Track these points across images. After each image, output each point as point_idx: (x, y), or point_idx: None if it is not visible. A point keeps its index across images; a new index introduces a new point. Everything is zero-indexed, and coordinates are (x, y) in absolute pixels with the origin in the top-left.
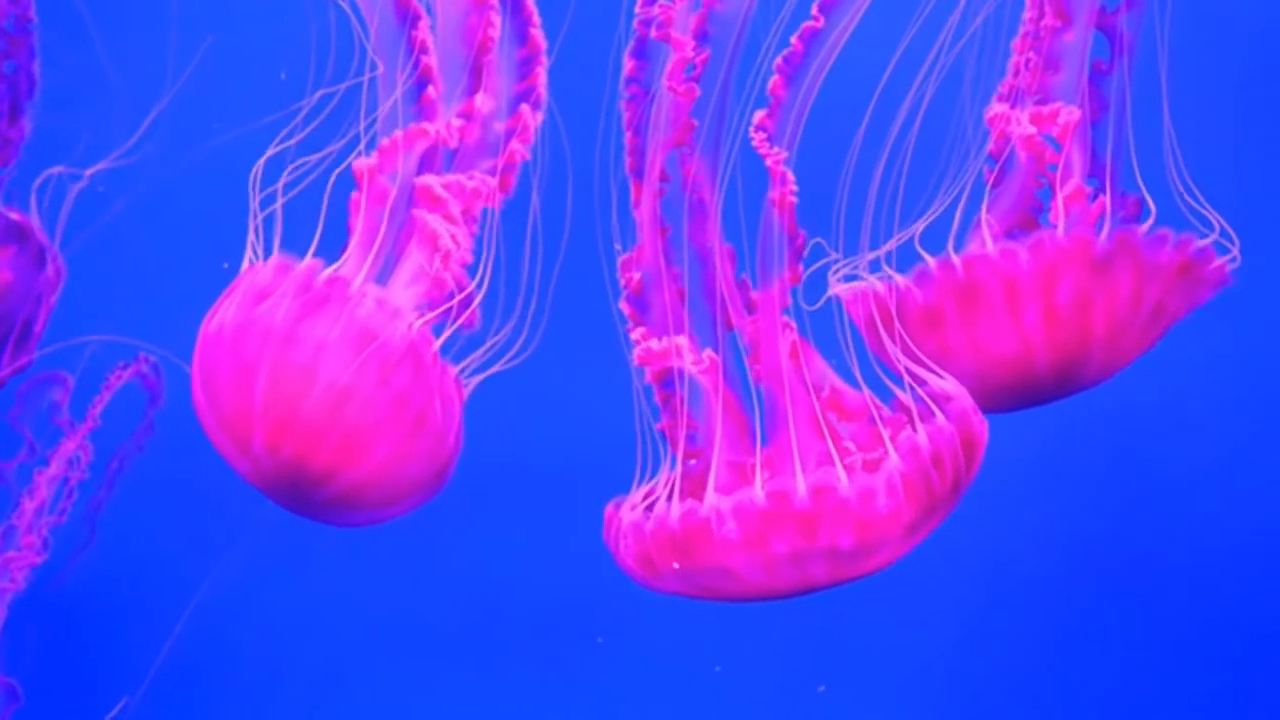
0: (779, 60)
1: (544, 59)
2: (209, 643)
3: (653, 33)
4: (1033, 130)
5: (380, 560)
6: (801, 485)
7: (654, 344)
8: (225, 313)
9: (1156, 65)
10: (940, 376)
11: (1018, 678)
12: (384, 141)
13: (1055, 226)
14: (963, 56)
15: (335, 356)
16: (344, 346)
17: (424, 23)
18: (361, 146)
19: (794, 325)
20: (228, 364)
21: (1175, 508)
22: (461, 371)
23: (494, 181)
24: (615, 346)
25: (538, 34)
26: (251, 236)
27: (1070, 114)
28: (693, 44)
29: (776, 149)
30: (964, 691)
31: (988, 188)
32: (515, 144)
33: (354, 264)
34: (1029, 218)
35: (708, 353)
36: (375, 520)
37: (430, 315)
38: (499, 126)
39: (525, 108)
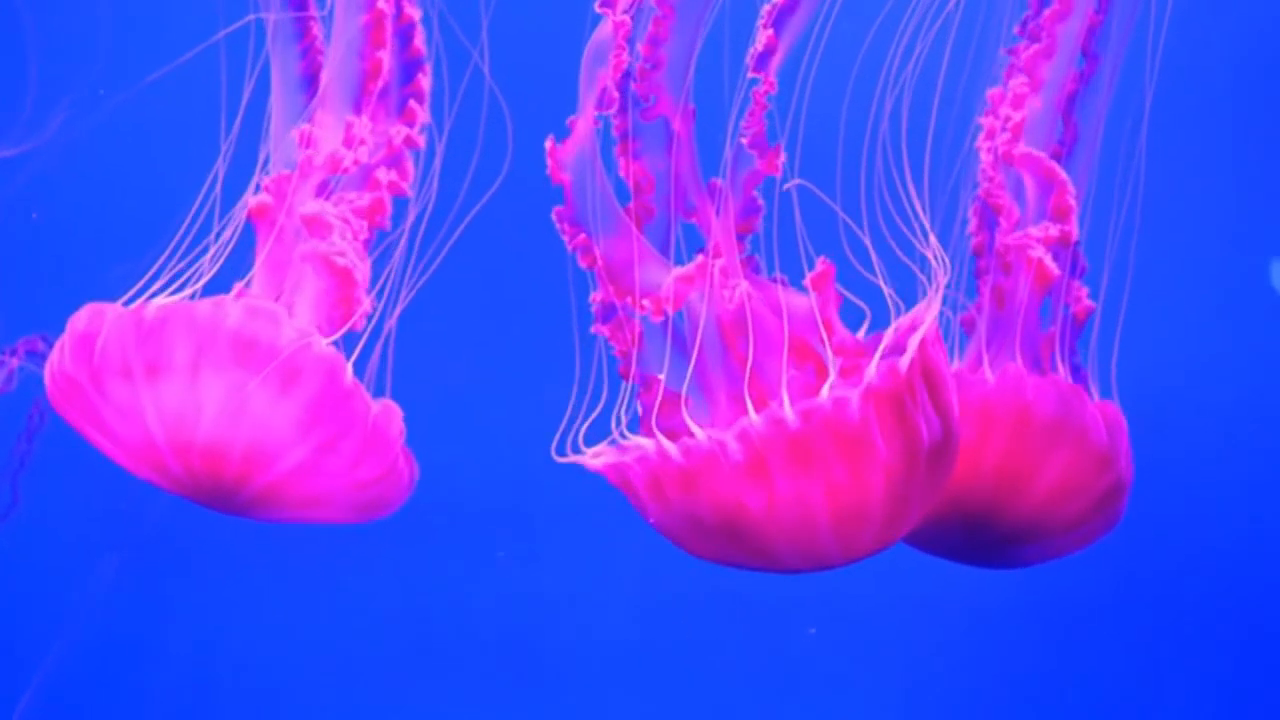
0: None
1: (425, 98)
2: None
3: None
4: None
5: (309, 578)
6: (789, 410)
7: (683, 269)
8: (64, 365)
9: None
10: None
11: (1018, 675)
12: (274, 177)
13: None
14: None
15: (215, 369)
16: (220, 359)
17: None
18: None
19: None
20: (110, 410)
21: (1178, 508)
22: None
23: (366, 203)
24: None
25: (424, 79)
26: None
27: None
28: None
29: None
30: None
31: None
32: (386, 172)
33: (257, 293)
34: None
35: (742, 283)
36: (312, 519)
37: (335, 334)
38: (377, 160)
39: (400, 137)
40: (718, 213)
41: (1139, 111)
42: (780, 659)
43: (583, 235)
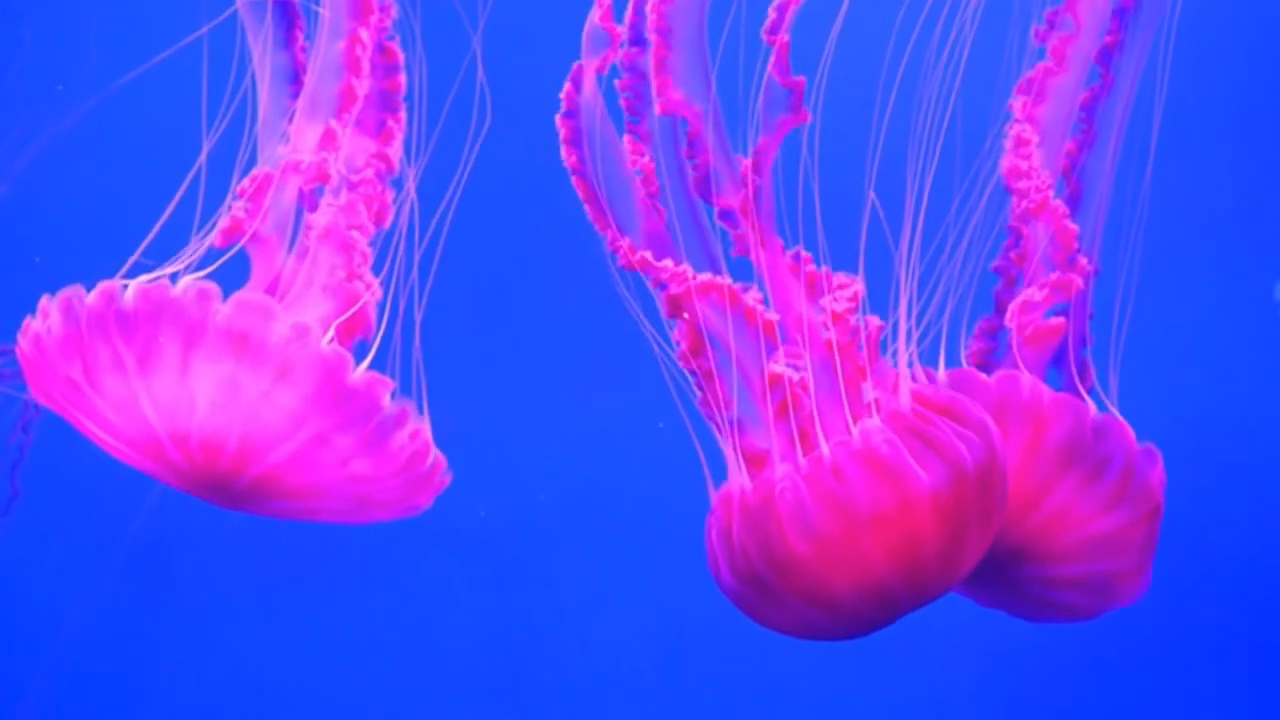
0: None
1: (400, 126)
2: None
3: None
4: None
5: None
6: (825, 447)
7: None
8: (54, 363)
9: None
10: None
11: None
12: (253, 176)
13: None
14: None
15: (207, 360)
16: (211, 351)
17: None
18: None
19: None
20: (106, 405)
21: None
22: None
23: (361, 199)
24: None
25: (402, 110)
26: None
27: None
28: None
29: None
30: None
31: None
32: (365, 184)
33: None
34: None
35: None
36: (314, 514)
37: (334, 326)
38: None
39: (376, 163)
40: (755, 203)
41: (1145, 137)
42: (791, 680)
43: (623, 238)
